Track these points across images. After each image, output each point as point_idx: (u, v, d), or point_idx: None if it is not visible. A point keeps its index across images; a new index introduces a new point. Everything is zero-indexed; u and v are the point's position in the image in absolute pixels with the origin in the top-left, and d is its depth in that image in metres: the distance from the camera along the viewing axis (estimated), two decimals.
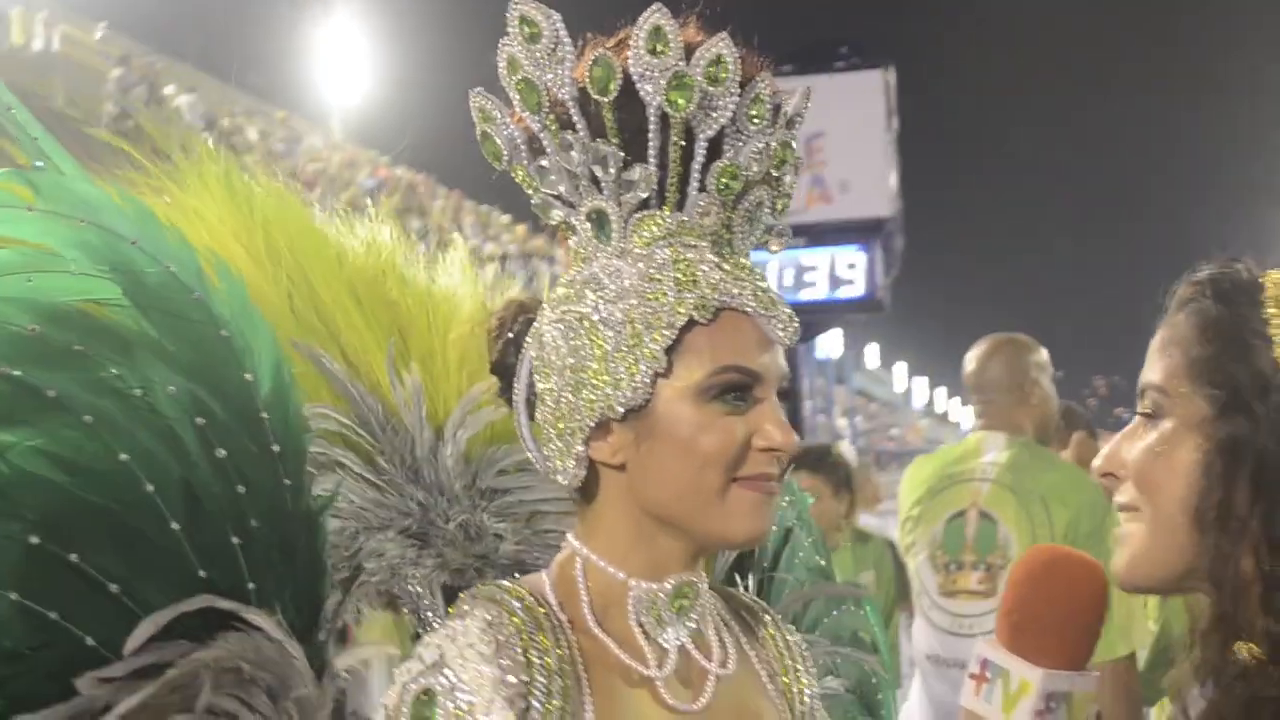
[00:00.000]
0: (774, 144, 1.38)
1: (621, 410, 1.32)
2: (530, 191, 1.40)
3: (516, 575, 1.45)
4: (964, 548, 3.65)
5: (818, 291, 10.65)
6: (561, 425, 1.35)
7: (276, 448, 1.46)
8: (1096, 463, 1.38)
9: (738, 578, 1.86)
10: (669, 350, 1.32)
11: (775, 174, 1.40)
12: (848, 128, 10.62)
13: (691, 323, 1.32)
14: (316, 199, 1.95)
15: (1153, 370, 1.34)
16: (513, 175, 1.41)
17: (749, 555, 1.91)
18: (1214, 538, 1.26)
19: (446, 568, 1.75)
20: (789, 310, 1.38)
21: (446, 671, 1.28)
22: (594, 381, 1.33)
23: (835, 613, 2.03)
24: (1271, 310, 1.27)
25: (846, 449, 5.10)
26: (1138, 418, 1.35)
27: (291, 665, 1.42)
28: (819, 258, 10.66)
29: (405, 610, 1.72)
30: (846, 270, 10.64)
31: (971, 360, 3.92)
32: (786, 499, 2.09)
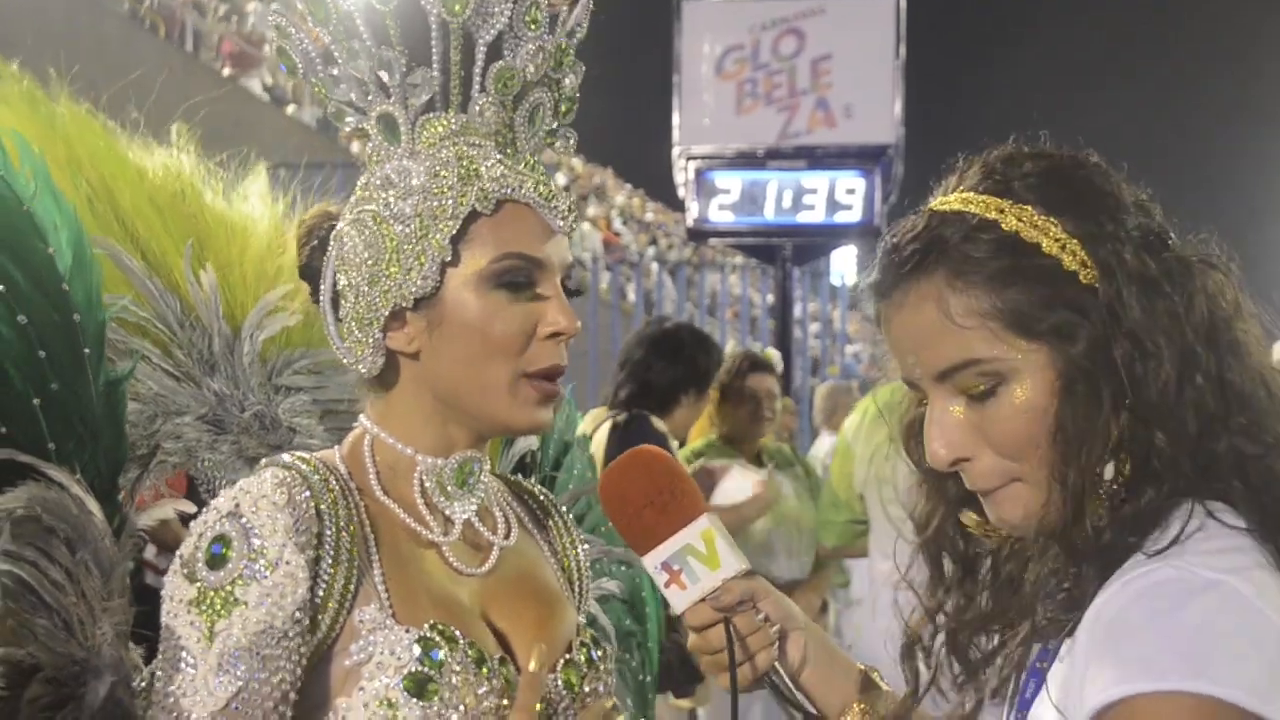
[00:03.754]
0: (549, 47, 1.47)
1: (413, 299, 1.42)
2: (325, 101, 1.50)
3: None
4: None
5: (815, 215, 10.60)
6: (360, 317, 1.45)
7: (77, 317, 1.54)
8: (942, 455, 1.29)
9: (519, 477, 1.97)
10: (455, 241, 1.42)
11: (554, 76, 1.51)
12: (856, 52, 10.53)
13: (475, 214, 1.43)
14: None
15: (950, 350, 1.26)
16: (310, 86, 1.51)
17: (531, 458, 2.03)
18: (1072, 450, 1.24)
19: (242, 454, 1.85)
20: (569, 203, 1.49)
21: (241, 519, 1.36)
22: (387, 273, 1.43)
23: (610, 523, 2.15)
24: (1026, 233, 1.25)
25: (774, 355, 5.30)
26: (956, 401, 1.28)
27: (90, 519, 1.50)
28: (818, 181, 10.58)
29: (203, 490, 1.81)
30: (845, 195, 10.58)
31: None
32: (564, 417, 2.21)
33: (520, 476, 1.78)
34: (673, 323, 4.98)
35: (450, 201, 1.42)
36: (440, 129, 1.46)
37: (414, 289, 1.42)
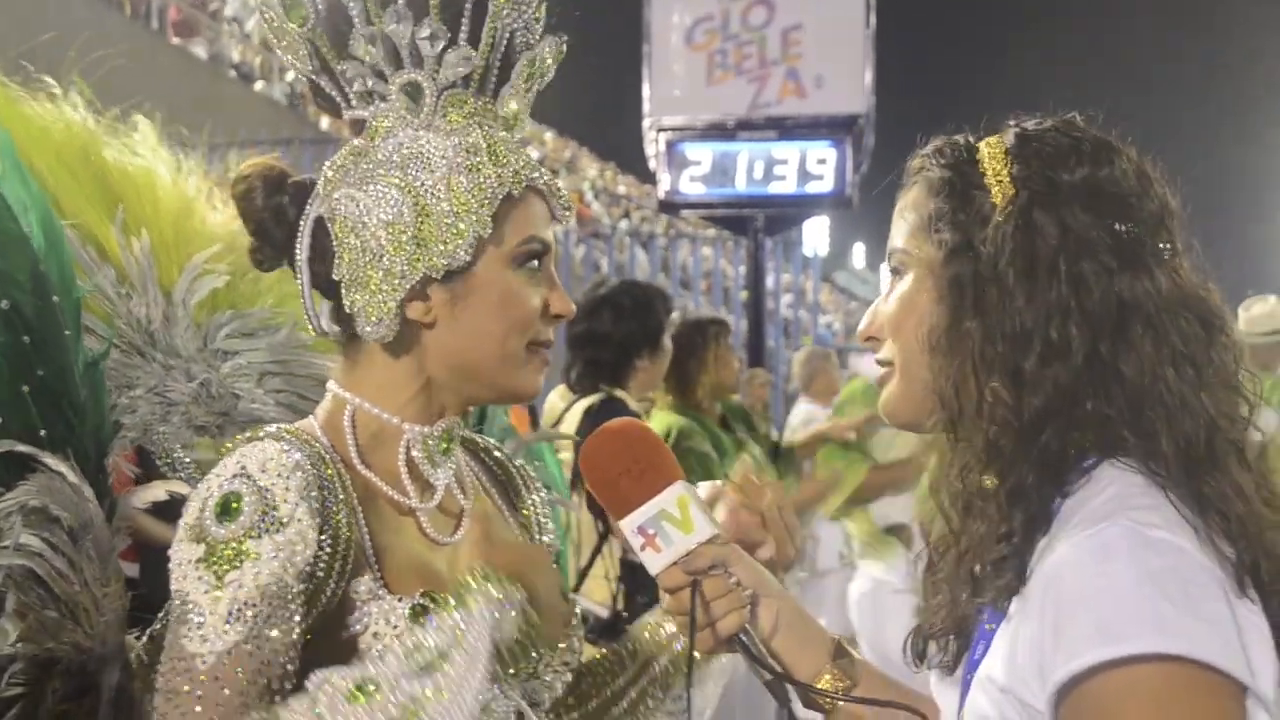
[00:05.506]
0: (562, 45, 1.55)
1: (444, 269, 1.45)
2: (331, 56, 1.50)
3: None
4: None
5: (786, 185, 10.57)
6: (373, 284, 1.45)
7: (56, 299, 1.53)
8: (860, 328, 1.47)
9: (475, 435, 1.99)
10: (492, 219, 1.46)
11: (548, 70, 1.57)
12: (826, 22, 10.49)
13: (507, 195, 1.47)
14: None
15: (895, 235, 1.43)
16: (314, 39, 1.51)
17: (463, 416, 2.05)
18: (944, 363, 1.34)
19: (191, 424, 1.84)
20: (566, 193, 1.55)
21: (252, 478, 1.37)
22: (419, 243, 1.45)
23: (534, 464, 2.18)
24: (987, 166, 1.36)
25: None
26: (889, 281, 1.44)
27: (87, 507, 1.51)
28: (789, 151, 10.54)
29: (161, 464, 1.80)
30: (816, 166, 10.54)
31: None
32: None
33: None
34: (607, 285, 4.54)
35: (490, 182, 1.46)
36: (465, 108, 1.50)
37: (448, 261, 1.45)
